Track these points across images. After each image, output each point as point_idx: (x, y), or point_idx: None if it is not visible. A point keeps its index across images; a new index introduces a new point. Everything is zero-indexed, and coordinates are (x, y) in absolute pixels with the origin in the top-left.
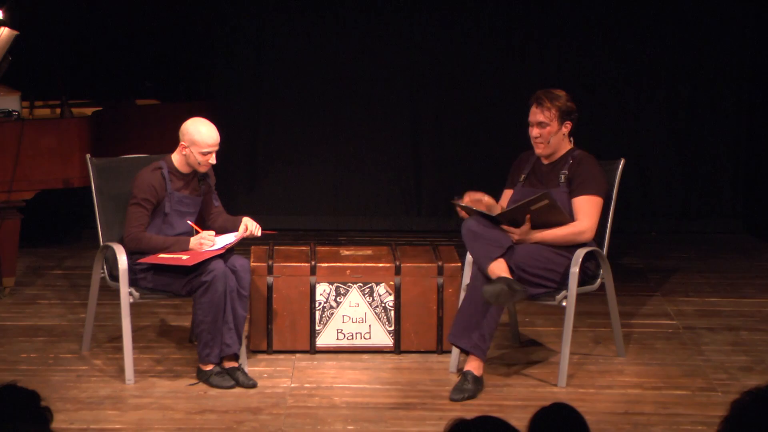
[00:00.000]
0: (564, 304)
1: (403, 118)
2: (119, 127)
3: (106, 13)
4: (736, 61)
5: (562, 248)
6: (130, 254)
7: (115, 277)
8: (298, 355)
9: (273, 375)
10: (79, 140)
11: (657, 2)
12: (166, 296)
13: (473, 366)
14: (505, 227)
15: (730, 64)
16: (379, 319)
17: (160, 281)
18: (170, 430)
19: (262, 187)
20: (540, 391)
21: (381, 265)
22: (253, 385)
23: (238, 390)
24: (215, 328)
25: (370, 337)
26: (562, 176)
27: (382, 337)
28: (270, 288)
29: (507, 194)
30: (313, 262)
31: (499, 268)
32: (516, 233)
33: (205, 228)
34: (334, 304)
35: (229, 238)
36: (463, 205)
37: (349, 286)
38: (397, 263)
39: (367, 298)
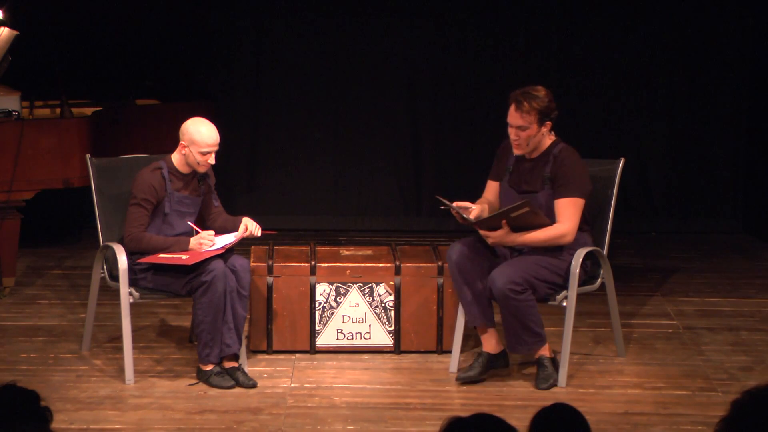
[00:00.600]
0: (564, 304)
1: (403, 118)
2: (119, 127)
3: (106, 12)
4: (736, 61)
5: (551, 251)
6: (130, 254)
7: (115, 277)
8: (298, 355)
9: (273, 375)
10: (79, 140)
11: (657, 2)
12: (166, 296)
13: (544, 350)
14: (481, 232)
15: (730, 64)
16: (379, 319)
17: (160, 281)
18: (170, 430)
19: (262, 187)
20: (540, 391)
21: (381, 265)
22: (253, 385)
23: (238, 390)
24: (215, 328)
25: (370, 337)
26: (546, 178)
27: (382, 337)
28: (270, 288)
29: (491, 186)
30: (313, 262)
31: (484, 338)
32: (492, 237)
33: (204, 228)
34: (334, 304)
35: (228, 238)
36: (445, 202)
37: (349, 286)
38: (397, 263)
39: (367, 298)
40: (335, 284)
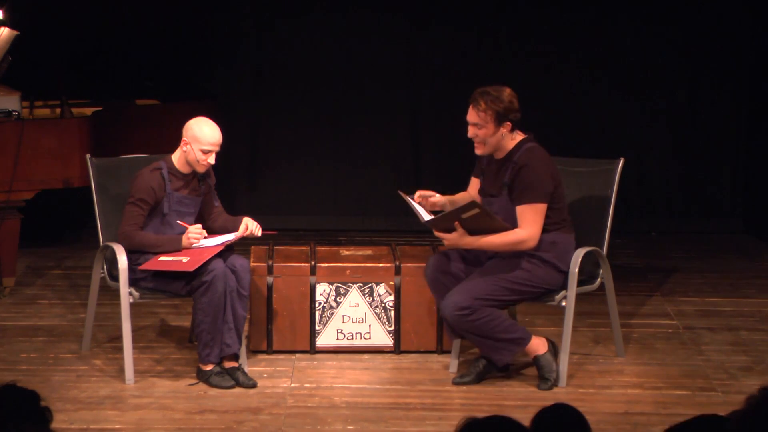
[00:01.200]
0: (564, 304)
1: (403, 117)
2: (119, 127)
3: (107, 12)
4: (736, 61)
5: (515, 261)
6: (130, 254)
7: (115, 277)
8: (298, 355)
9: (273, 375)
10: (79, 140)
11: (657, 2)
12: (166, 296)
13: (534, 349)
14: (436, 233)
15: (730, 64)
16: (379, 319)
17: (159, 281)
18: (170, 430)
19: (262, 187)
20: (540, 391)
21: (381, 265)
22: (253, 385)
23: (238, 390)
24: (215, 328)
25: (370, 337)
26: (504, 184)
27: (382, 337)
28: (270, 288)
29: (473, 182)
30: (313, 262)
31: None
32: (447, 240)
33: (204, 228)
34: (334, 304)
35: (228, 237)
36: (405, 198)
37: (349, 286)
38: (397, 263)
39: (367, 298)
40: (335, 284)
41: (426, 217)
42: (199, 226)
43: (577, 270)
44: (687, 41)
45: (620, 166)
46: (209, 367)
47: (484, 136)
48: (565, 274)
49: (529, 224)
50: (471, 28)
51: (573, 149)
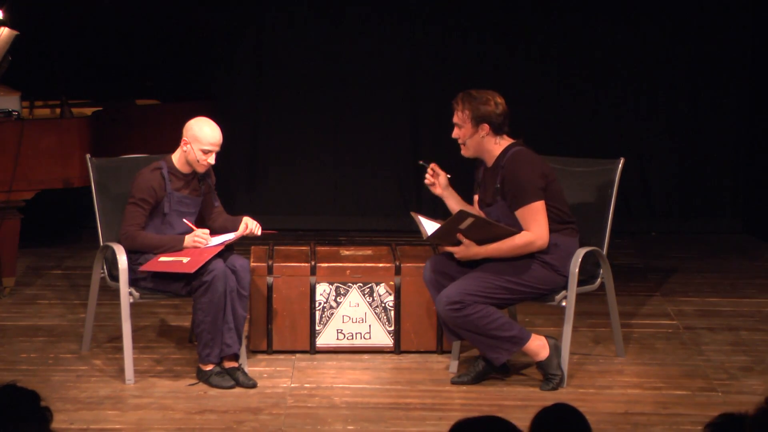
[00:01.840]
0: (564, 304)
1: (403, 118)
2: (119, 127)
3: (107, 12)
4: (737, 61)
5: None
6: (130, 254)
7: (115, 277)
8: (298, 355)
9: (273, 375)
10: (79, 140)
11: (657, 2)
12: (166, 296)
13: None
14: (447, 248)
15: (730, 64)
16: (379, 319)
17: (159, 281)
18: (170, 430)
19: (262, 187)
20: (540, 391)
21: (381, 265)
22: (253, 385)
23: (238, 390)
24: (215, 328)
25: (370, 337)
26: (497, 189)
27: (382, 337)
28: (270, 288)
29: (476, 199)
30: (313, 262)
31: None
32: (456, 253)
33: (204, 228)
34: (334, 304)
35: (228, 236)
36: (415, 217)
37: (349, 286)
38: (397, 263)
39: (367, 298)
40: (335, 284)
41: (428, 232)
42: (207, 231)
43: (577, 270)
44: (687, 41)
45: (620, 166)
46: (209, 367)
47: (463, 136)
48: (565, 277)
49: (532, 225)
50: (471, 29)
51: (573, 149)
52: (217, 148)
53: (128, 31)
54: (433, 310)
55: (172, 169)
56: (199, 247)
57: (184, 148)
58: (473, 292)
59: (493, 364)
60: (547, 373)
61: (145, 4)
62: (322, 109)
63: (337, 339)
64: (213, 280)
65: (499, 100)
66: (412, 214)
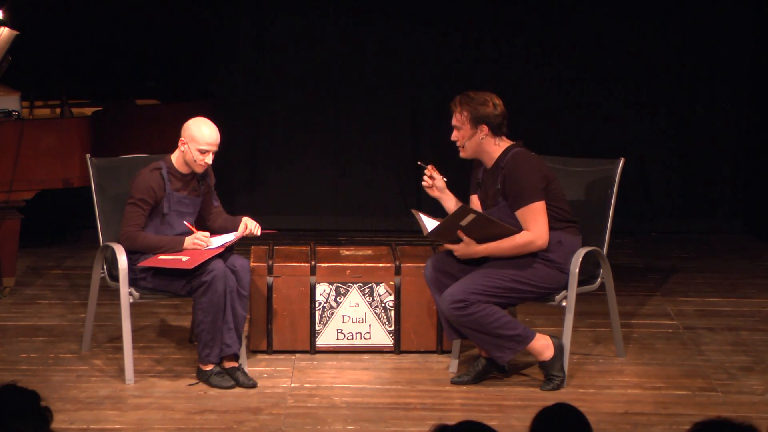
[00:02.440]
0: (564, 304)
1: (403, 118)
2: (119, 127)
3: (107, 12)
4: (736, 61)
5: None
6: (130, 254)
7: (115, 277)
8: (298, 355)
9: (273, 375)
10: (79, 140)
11: (657, 1)
12: (166, 296)
13: (539, 352)
14: (447, 246)
15: (730, 64)
16: (379, 319)
17: (159, 281)
18: (170, 430)
19: (262, 187)
20: (540, 392)
21: (381, 265)
22: (253, 385)
23: (238, 390)
24: (215, 328)
25: (370, 337)
26: (498, 191)
27: (382, 337)
28: (270, 288)
29: (473, 200)
30: (313, 262)
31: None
32: (456, 251)
33: (204, 228)
34: (334, 304)
35: (228, 237)
36: (416, 214)
37: (349, 286)
38: (397, 263)
39: (367, 298)
40: (335, 284)
41: (429, 229)
42: (207, 233)
43: (577, 270)
44: (687, 41)
45: (620, 166)
46: (209, 367)
47: (462, 138)
48: (568, 275)
49: (532, 225)
50: (471, 29)
51: (573, 149)
52: (214, 148)
53: (128, 31)
54: (433, 310)
55: (172, 170)
56: (198, 250)
57: (182, 148)
58: (477, 291)
59: (498, 363)
60: (549, 374)
61: (145, 4)
62: (322, 109)
63: (337, 339)
64: (213, 280)
65: (497, 101)
66: (413, 210)
